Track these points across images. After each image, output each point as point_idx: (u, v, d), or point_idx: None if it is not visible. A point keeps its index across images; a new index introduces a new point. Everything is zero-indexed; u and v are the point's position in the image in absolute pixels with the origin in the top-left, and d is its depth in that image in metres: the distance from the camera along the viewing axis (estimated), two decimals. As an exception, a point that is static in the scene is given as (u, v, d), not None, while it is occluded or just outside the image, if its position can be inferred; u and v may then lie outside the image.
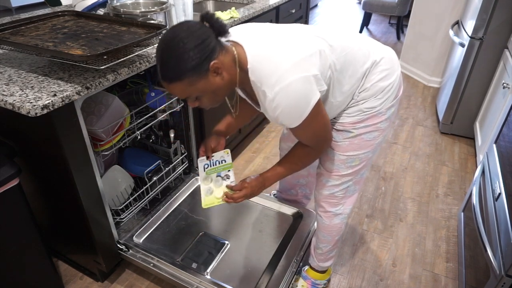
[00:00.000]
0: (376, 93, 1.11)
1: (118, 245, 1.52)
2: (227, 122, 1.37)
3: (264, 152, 2.48)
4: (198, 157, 1.32)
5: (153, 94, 1.62)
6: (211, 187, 1.24)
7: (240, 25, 1.09)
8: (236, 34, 1.02)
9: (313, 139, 1.10)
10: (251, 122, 2.46)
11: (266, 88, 0.95)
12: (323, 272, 1.55)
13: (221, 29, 0.94)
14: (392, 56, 1.15)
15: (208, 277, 1.40)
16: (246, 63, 0.97)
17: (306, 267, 1.58)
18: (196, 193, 1.83)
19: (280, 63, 0.94)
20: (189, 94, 0.96)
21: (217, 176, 1.26)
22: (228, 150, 1.30)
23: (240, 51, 0.98)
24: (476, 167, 2.24)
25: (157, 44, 0.94)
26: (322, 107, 1.03)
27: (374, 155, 1.25)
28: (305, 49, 0.98)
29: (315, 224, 1.62)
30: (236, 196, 1.16)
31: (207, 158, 1.29)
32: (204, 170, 1.28)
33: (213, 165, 1.28)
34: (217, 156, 1.30)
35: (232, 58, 0.97)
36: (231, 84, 1.01)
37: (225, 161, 1.28)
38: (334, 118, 1.18)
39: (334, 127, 1.19)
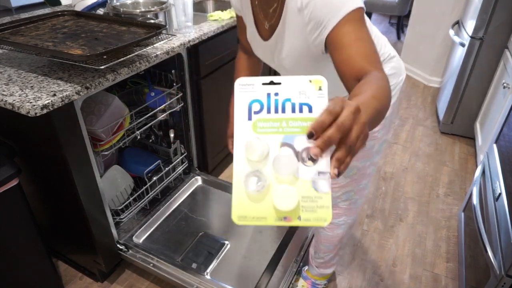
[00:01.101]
0: None
1: (118, 245, 1.52)
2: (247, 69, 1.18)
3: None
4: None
5: (153, 94, 1.62)
6: (264, 175, 0.48)
7: None
8: None
9: (362, 48, 0.73)
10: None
11: None
12: (323, 277, 1.54)
13: None
14: (402, 62, 1.14)
15: (208, 277, 1.39)
16: None
17: (306, 267, 1.58)
18: (196, 193, 1.83)
19: None
20: None
21: (283, 145, 0.48)
22: (323, 80, 0.49)
23: None
24: (476, 167, 2.24)
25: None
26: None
27: (373, 164, 1.20)
28: None
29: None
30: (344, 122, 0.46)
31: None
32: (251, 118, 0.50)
33: (272, 111, 0.50)
34: (287, 82, 0.50)
35: None
36: None
37: (309, 107, 0.48)
38: None
39: None
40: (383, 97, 0.61)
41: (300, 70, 0.96)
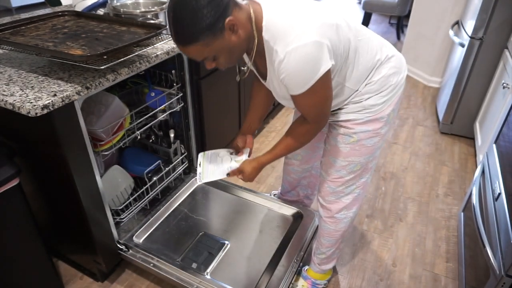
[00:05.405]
0: (380, 89, 1.10)
1: (118, 245, 1.52)
2: (250, 118, 1.36)
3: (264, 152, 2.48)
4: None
5: (153, 94, 1.62)
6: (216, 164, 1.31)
7: None
8: None
9: (314, 110, 1.05)
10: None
11: (279, 47, 0.91)
12: (324, 273, 1.55)
13: None
14: (402, 58, 1.16)
15: (208, 277, 1.40)
16: (261, 21, 0.93)
17: (306, 267, 1.58)
18: (196, 193, 1.83)
19: (297, 24, 0.90)
20: (206, 55, 0.92)
21: (226, 152, 1.33)
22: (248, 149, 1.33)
23: (257, 8, 0.94)
24: (476, 167, 2.24)
25: (167, 3, 0.89)
26: (330, 80, 0.99)
27: (375, 159, 1.24)
28: (324, 17, 0.94)
29: (315, 224, 1.62)
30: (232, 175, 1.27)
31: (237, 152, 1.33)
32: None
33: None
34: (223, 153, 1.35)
35: (247, 15, 0.93)
36: (248, 42, 0.97)
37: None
38: (336, 115, 1.17)
39: (336, 130, 1.19)
40: (287, 146, 1.18)
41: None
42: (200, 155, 1.35)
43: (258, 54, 1.01)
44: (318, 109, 1.04)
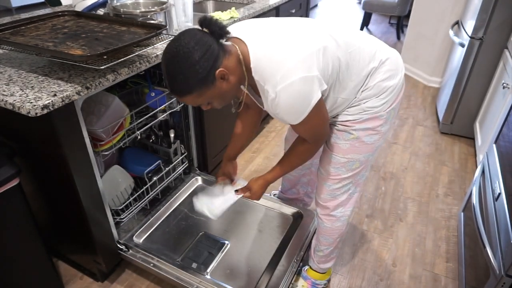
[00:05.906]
0: (379, 93, 1.11)
1: (118, 245, 1.52)
2: (235, 143, 1.40)
3: (264, 152, 2.48)
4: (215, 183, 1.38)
5: (153, 94, 1.62)
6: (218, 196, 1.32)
7: (243, 21, 1.08)
8: (238, 30, 1.01)
9: (311, 134, 1.11)
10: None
11: (269, 87, 0.96)
12: (323, 272, 1.55)
13: (221, 31, 0.94)
14: (398, 58, 1.16)
15: (208, 277, 1.40)
16: (249, 62, 0.97)
17: (306, 267, 1.58)
18: (196, 193, 1.83)
19: (282, 63, 0.94)
20: (200, 103, 0.99)
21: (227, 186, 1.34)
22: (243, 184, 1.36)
23: (243, 48, 0.98)
24: (476, 167, 2.24)
25: (161, 57, 0.93)
26: (323, 105, 1.04)
27: (374, 157, 1.25)
28: (308, 46, 0.97)
29: (315, 224, 1.63)
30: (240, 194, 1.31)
31: (231, 181, 1.37)
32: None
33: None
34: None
35: (237, 58, 0.97)
36: (239, 84, 1.02)
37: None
38: (335, 117, 1.18)
39: (335, 127, 1.19)
40: (289, 163, 1.22)
41: None
42: (194, 199, 1.33)
43: (254, 86, 1.04)
44: (314, 132, 1.10)
